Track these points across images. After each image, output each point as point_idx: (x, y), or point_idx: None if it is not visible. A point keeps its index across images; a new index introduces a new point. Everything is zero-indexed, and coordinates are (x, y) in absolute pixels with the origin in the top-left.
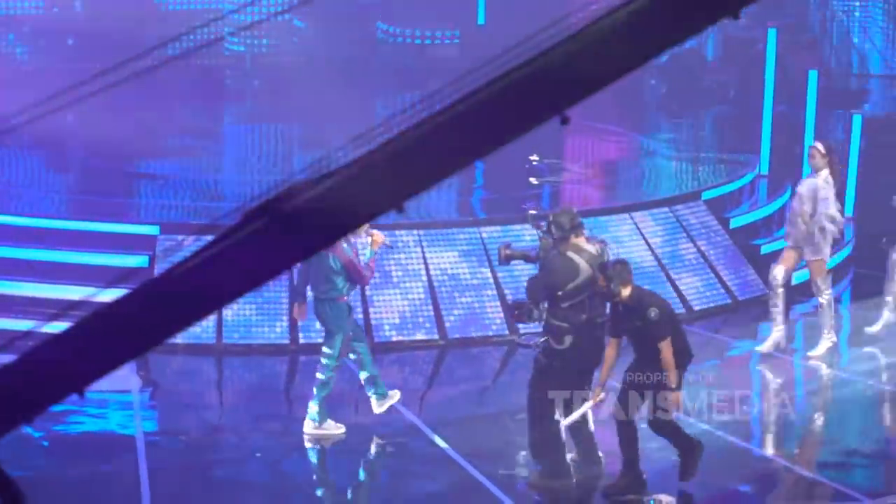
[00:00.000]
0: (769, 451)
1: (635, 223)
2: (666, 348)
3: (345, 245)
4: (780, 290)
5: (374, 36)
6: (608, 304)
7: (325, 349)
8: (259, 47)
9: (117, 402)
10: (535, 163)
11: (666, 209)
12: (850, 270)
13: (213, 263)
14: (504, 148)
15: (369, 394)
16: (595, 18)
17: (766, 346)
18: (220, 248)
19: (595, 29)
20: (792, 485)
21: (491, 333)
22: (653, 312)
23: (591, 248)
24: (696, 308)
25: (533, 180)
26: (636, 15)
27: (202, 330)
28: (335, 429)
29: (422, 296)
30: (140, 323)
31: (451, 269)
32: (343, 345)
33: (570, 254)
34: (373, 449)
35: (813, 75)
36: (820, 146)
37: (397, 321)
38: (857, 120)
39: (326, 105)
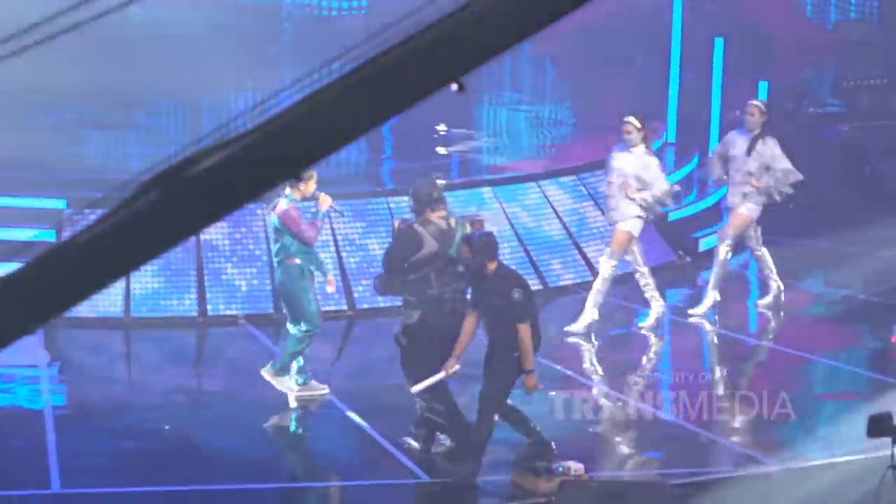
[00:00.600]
0: (677, 415)
1: (543, 192)
2: (524, 331)
3: (282, 201)
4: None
5: (279, 8)
6: (468, 281)
7: (289, 324)
8: (163, 19)
9: (24, 376)
10: (443, 133)
11: (573, 178)
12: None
13: (111, 233)
14: (404, 115)
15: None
16: None
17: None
18: (117, 218)
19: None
20: (699, 449)
21: (399, 303)
22: (517, 293)
23: (442, 223)
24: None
25: (441, 150)
26: None
27: (110, 303)
28: (284, 386)
29: (330, 267)
30: (37, 294)
31: (360, 239)
32: (312, 308)
33: (417, 226)
34: (282, 419)
35: (719, 42)
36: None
37: None
38: (763, 87)
39: (231, 79)
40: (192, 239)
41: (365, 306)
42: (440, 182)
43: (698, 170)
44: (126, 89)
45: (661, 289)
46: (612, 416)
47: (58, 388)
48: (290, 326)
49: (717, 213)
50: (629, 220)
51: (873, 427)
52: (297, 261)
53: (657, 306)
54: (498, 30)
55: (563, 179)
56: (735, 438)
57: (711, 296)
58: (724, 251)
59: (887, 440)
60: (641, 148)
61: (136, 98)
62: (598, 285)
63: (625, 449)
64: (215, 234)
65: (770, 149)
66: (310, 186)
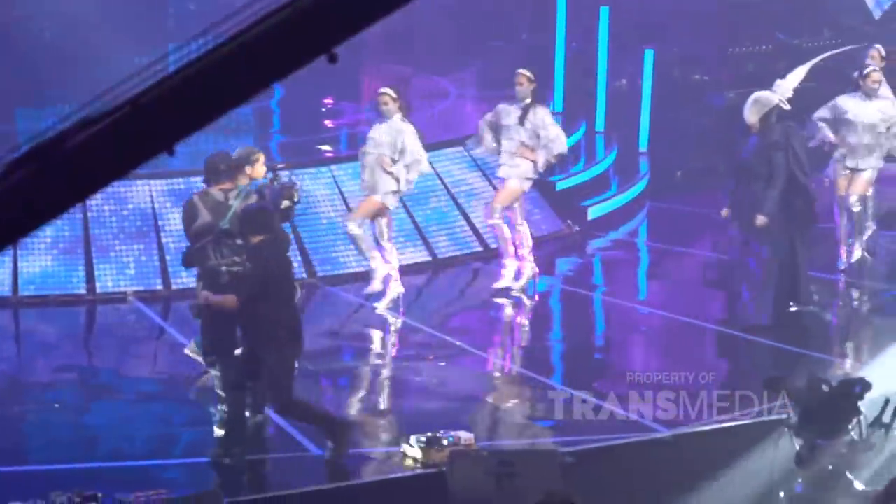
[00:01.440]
0: (567, 385)
1: (430, 163)
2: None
3: (240, 183)
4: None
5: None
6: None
7: None
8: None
9: None
10: (330, 106)
11: (459, 148)
12: (645, 205)
13: None
14: (292, 89)
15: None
16: None
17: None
18: None
19: None
20: (592, 418)
21: None
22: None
23: (219, 195)
24: (493, 246)
25: (328, 123)
26: None
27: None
28: None
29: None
30: None
31: None
32: None
33: (195, 198)
34: (175, 398)
35: (604, 11)
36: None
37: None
38: (648, 55)
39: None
40: (80, 216)
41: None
42: (253, 156)
43: (585, 139)
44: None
45: (551, 259)
46: (504, 386)
47: None
48: None
49: (606, 182)
50: (386, 194)
51: (769, 388)
52: None
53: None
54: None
55: (449, 150)
56: (625, 406)
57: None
58: (496, 220)
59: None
60: (398, 118)
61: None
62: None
63: (516, 419)
64: (102, 210)
65: (541, 117)
66: (258, 169)
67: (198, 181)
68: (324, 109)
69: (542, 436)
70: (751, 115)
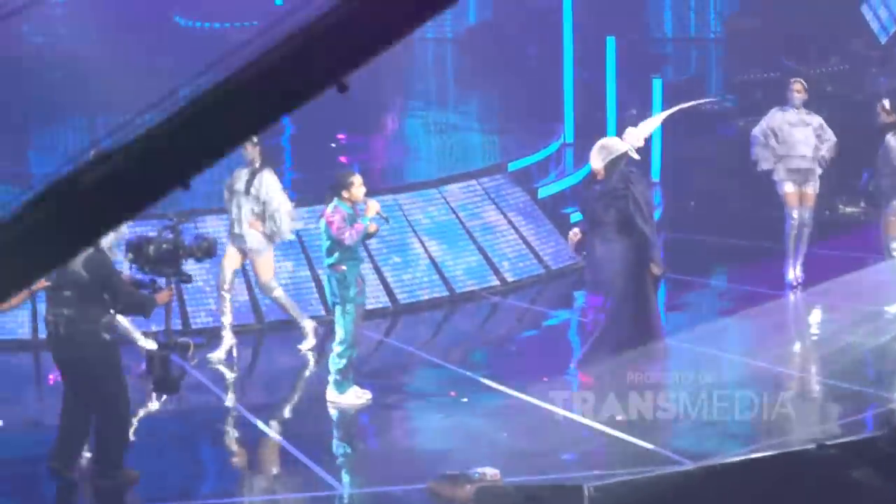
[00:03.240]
0: (592, 419)
1: (444, 197)
2: None
3: (331, 207)
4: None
5: (173, 28)
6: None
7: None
8: (59, 39)
9: None
10: (342, 141)
11: (473, 182)
12: (660, 235)
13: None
14: (303, 125)
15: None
16: None
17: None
18: (7, 233)
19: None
20: (616, 451)
21: (307, 315)
22: None
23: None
24: (511, 280)
25: (342, 159)
26: None
27: (17, 325)
28: (355, 398)
29: (238, 284)
30: None
31: None
32: (350, 318)
33: None
34: (196, 435)
35: (611, 41)
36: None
37: (213, 307)
38: (657, 84)
39: (128, 95)
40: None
41: (273, 318)
42: (350, 178)
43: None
44: (21, 110)
45: (568, 291)
46: (528, 421)
47: None
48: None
49: None
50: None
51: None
52: (344, 267)
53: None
54: (371, 29)
55: (463, 184)
56: (649, 438)
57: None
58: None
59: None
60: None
61: (32, 118)
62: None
63: (541, 453)
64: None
65: (266, 184)
66: (357, 192)
67: (212, 219)
68: (333, 145)
69: (568, 470)
70: (596, 161)
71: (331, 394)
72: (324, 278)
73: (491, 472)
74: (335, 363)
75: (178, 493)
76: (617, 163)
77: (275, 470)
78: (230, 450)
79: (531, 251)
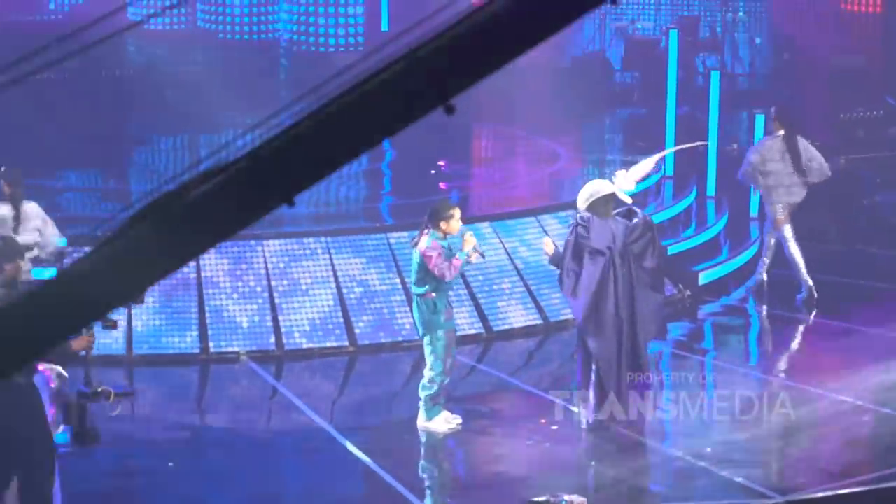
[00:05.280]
0: (679, 450)
1: (542, 226)
2: None
3: (424, 238)
4: None
5: (276, 45)
6: None
7: (426, 358)
8: (163, 58)
9: None
10: (442, 168)
11: (571, 212)
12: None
13: (106, 263)
14: (404, 152)
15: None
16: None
17: None
18: (112, 247)
19: (471, 21)
20: (704, 482)
21: (400, 339)
22: None
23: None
24: None
25: (442, 185)
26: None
27: (112, 341)
28: (445, 423)
29: (331, 303)
30: (34, 327)
31: (360, 275)
32: (441, 344)
33: None
34: (285, 455)
35: (715, 76)
36: None
37: (307, 329)
38: (760, 120)
39: (229, 117)
40: (193, 276)
41: (367, 342)
42: (449, 211)
43: (696, 203)
44: (125, 127)
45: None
46: (616, 451)
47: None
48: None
49: (717, 247)
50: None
51: None
52: (434, 295)
53: None
54: (483, 51)
55: (561, 213)
56: (738, 471)
57: None
58: None
59: None
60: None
61: (136, 136)
62: None
63: (628, 481)
64: (216, 270)
65: (32, 215)
66: (452, 225)
67: (310, 242)
68: (433, 171)
69: (655, 499)
70: (581, 202)
71: (421, 420)
72: (413, 306)
73: (578, 499)
74: (426, 389)
75: None
76: (601, 205)
77: (362, 492)
78: (318, 471)
79: None
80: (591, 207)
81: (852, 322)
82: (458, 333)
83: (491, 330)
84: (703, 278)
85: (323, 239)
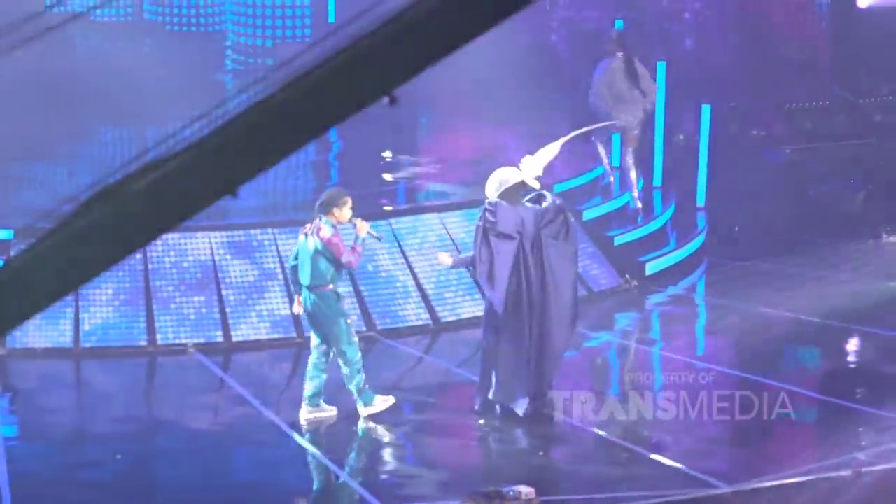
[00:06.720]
0: (630, 440)
1: None
2: None
3: (324, 227)
4: None
5: (223, 38)
6: None
7: (339, 350)
8: (110, 49)
9: None
10: (388, 160)
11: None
12: (703, 260)
13: (54, 251)
14: (350, 142)
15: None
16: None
17: None
18: (60, 235)
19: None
20: (655, 473)
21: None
22: None
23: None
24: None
25: (387, 177)
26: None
27: (59, 334)
28: (384, 403)
29: (279, 294)
30: None
31: None
32: (349, 330)
33: None
34: (233, 448)
35: (661, 66)
36: None
37: (255, 320)
38: (706, 110)
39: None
40: (141, 268)
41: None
42: (342, 199)
43: (642, 194)
44: (71, 119)
45: (610, 313)
46: (563, 440)
47: (9, 418)
48: (326, 350)
49: (664, 237)
50: None
51: None
52: (331, 286)
53: None
54: (426, 42)
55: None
56: (685, 461)
57: None
58: None
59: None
60: None
61: (82, 128)
62: None
63: (577, 472)
64: (163, 262)
65: None
66: (345, 212)
67: (257, 233)
68: (382, 163)
69: (605, 490)
70: (490, 191)
71: (362, 410)
72: (309, 301)
73: (526, 490)
74: (353, 379)
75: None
76: (512, 193)
77: (310, 484)
78: (266, 462)
79: None
80: (502, 197)
81: (797, 312)
82: (407, 325)
83: (439, 321)
84: (650, 268)
85: (270, 230)
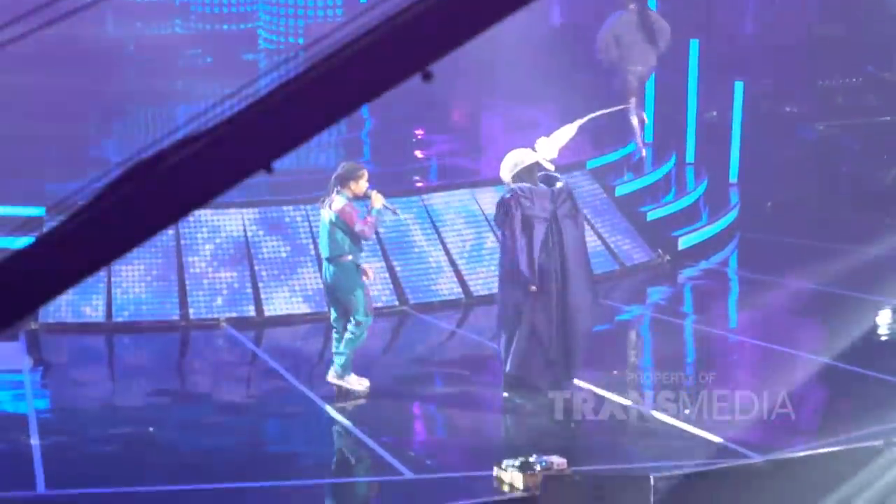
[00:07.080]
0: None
1: None
2: None
3: (337, 199)
4: None
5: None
6: None
7: (335, 321)
8: (141, 29)
9: (7, 381)
10: (420, 137)
11: (578, 172)
12: (735, 235)
13: (86, 227)
14: (382, 120)
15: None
16: None
17: None
18: (91, 211)
19: None
20: (684, 444)
21: (380, 304)
22: None
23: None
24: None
25: (419, 154)
26: None
27: (91, 308)
28: (357, 384)
29: (311, 271)
30: (13, 290)
31: None
32: (365, 301)
33: None
34: (265, 420)
35: (694, 44)
36: None
37: (287, 295)
38: (738, 87)
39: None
40: (173, 244)
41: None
42: (358, 172)
43: (675, 170)
44: (102, 100)
45: (642, 287)
46: (596, 412)
47: (41, 392)
48: (345, 324)
49: (696, 212)
50: None
51: None
52: (350, 257)
53: None
54: (461, 18)
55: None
56: (718, 432)
57: None
58: None
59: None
60: None
61: (114, 108)
62: None
63: (608, 444)
64: (195, 238)
65: None
66: (361, 185)
67: (290, 210)
68: (414, 140)
69: (636, 461)
70: (504, 173)
71: (332, 376)
72: (328, 273)
73: (558, 460)
74: (350, 347)
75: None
76: (526, 174)
77: (343, 455)
78: (298, 434)
79: (606, 247)
80: (517, 178)
81: (829, 286)
82: (439, 299)
83: (471, 295)
84: (683, 243)
85: (302, 207)
